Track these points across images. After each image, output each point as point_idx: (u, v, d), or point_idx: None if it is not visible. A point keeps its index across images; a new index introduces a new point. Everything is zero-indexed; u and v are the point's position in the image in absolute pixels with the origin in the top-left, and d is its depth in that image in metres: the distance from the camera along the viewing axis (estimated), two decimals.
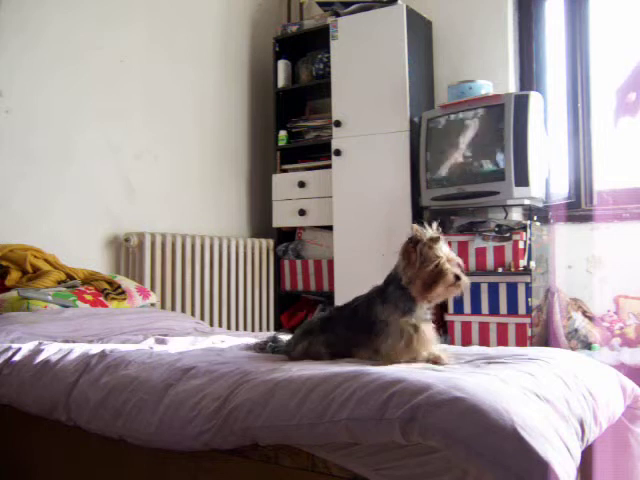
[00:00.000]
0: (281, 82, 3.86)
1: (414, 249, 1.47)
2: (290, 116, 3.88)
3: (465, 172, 3.11)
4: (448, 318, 3.10)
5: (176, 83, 3.45)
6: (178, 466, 1.45)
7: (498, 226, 3.02)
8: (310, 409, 1.23)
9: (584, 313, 3.09)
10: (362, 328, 1.53)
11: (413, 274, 1.47)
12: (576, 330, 3.03)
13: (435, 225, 1.50)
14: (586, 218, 3.23)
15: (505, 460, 1.03)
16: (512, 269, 2.93)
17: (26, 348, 1.85)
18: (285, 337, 1.79)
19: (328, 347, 1.56)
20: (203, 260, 3.35)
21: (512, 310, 2.93)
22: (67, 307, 2.35)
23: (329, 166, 3.57)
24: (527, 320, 2.89)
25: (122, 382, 1.55)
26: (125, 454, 1.53)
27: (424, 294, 1.47)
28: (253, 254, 3.69)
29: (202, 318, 3.29)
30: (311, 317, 3.67)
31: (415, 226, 1.50)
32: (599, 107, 3.31)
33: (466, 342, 3.01)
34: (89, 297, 2.48)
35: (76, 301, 2.42)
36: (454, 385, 1.15)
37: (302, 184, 3.70)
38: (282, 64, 3.86)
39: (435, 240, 1.47)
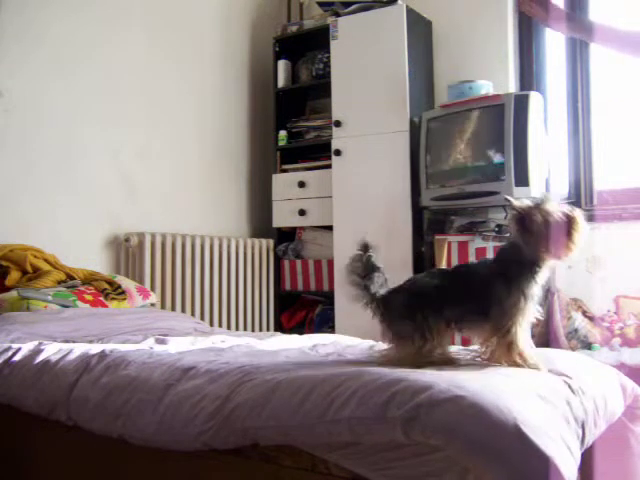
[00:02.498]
0: (281, 82, 3.86)
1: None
2: (290, 116, 3.88)
3: (465, 172, 3.11)
4: None
5: (176, 83, 3.45)
6: (178, 466, 1.45)
7: (498, 226, 3.02)
8: (311, 408, 1.23)
9: (584, 313, 3.09)
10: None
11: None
12: (576, 330, 3.03)
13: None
14: (586, 218, 3.22)
15: (507, 456, 1.03)
16: None
17: (26, 348, 1.85)
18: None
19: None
20: (203, 260, 3.35)
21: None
22: (67, 307, 2.35)
23: (329, 166, 3.57)
24: None
25: (122, 382, 1.55)
26: (125, 454, 1.53)
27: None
28: (253, 254, 3.69)
29: (202, 318, 3.29)
30: (311, 317, 3.70)
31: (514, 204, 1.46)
32: (599, 107, 3.31)
33: (466, 342, 3.01)
34: (89, 297, 2.48)
35: (76, 301, 2.42)
36: (455, 384, 1.15)
37: (302, 184, 3.70)
38: (282, 64, 3.86)
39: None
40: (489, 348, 1.46)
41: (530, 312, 1.44)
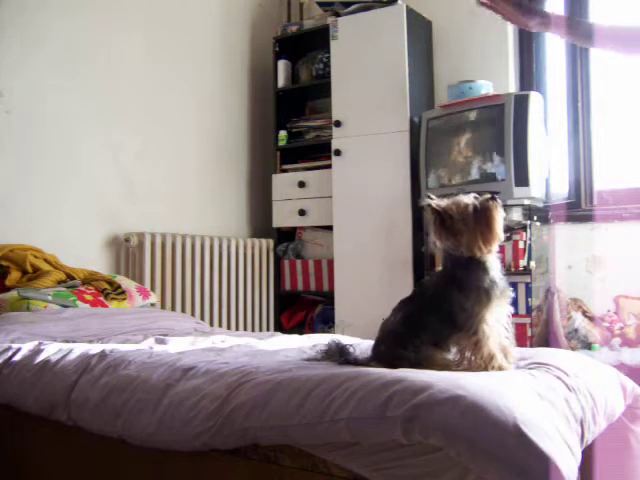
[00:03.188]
0: (281, 82, 3.86)
1: (451, 219, 1.41)
2: (290, 116, 3.88)
3: (465, 172, 3.10)
4: None
5: (176, 83, 3.45)
6: (178, 466, 1.45)
7: None
8: (311, 409, 1.23)
9: (584, 313, 3.09)
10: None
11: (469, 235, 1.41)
12: (576, 330, 3.03)
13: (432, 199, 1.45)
14: (586, 218, 3.22)
15: (507, 455, 1.03)
16: (512, 269, 2.93)
17: (26, 348, 1.85)
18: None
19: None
20: (203, 260, 3.35)
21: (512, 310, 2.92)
22: (67, 307, 2.35)
23: (329, 166, 3.57)
24: (527, 320, 2.89)
25: (122, 382, 1.55)
26: (125, 454, 1.53)
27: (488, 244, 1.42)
28: (253, 254, 3.69)
29: (202, 318, 3.29)
30: (311, 317, 3.70)
31: (429, 205, 1.43)
32: (599, 107, 3.31)
33: None
34: (89, 297, 2.48)
35: (76, 301, 2.42)
36: (455, 383, 1.15)
37: (302, 184, 3.70)
38: (282, 64, 3.86)
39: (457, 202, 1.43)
40: (462, 354, 1.42)
41: (496, 305, 1.42)
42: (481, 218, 1.41)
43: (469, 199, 1.43)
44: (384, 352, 1.46)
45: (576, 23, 1.66)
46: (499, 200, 1.44)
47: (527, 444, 1.04)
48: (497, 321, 1.43)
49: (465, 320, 1.39)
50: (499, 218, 1.42)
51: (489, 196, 1.43)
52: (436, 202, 1.43)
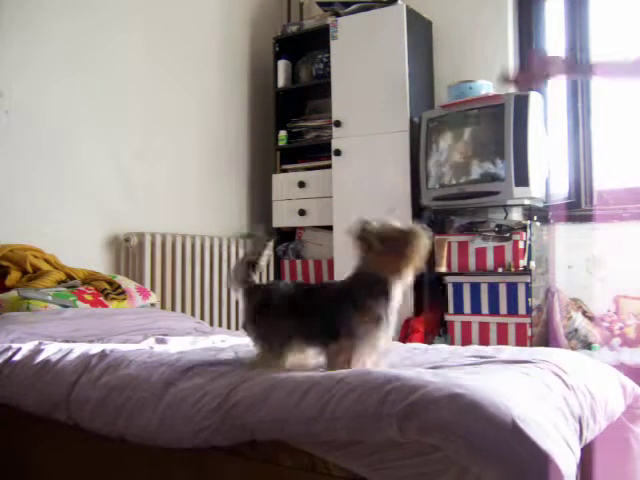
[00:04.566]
0: (281, 82, 3.86)
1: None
2: (290, 116, 3.88)
3: (465, 172, 3.10)
4: (448, 318, 3.10)
5: (176, 83, 3.45)
6: (179, 466, 1.45)
7: (498, 226, 3.02)
8: (309, 405, 1.23)
9: (584, 313, 3.09)
10: None
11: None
12: (576, 330, 3.03)
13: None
14: (586, 218, 3.22)
15: (505, 453, 1.04)
16: (512, 269, 2.93)
17: (26, 348, 1.85)
18: None
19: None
20: (203, 260, 3.35)
21: (512, 310, 2.93)
22: (67, 307, 2.35)
23: (329, 166, 3.57)
24: (527, 320, 2.89)
25: (122, 381, 1.55)
26: (126, 454, 1.53)
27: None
28: None
29: (202, 318, 3.29)
30: None
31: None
32: (599, 107, 3.31)
33: (466, 342, 3.01)
34: (89, 297, 2.48)
35: (76, 301, 2.42)
36: (452, 382, 1.16)
37: (302, 184, 3.70)
38: (282, 64, 3.86)
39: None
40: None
41: (378, 333, 1.40)
42: (404, 245, 1.41)
43: (397, 224, 1.43)
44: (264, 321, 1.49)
45: (578, 67, 1.71)
46: (427, 230, 1.43)
47: (525, 441, 1.04)
48: (373, 347, 1.42)
49: (345, 335, 1.39)
50: (421, 247, 1.41)
51: (418, 225, 1.43)
52: (361, 226, 1.43)
